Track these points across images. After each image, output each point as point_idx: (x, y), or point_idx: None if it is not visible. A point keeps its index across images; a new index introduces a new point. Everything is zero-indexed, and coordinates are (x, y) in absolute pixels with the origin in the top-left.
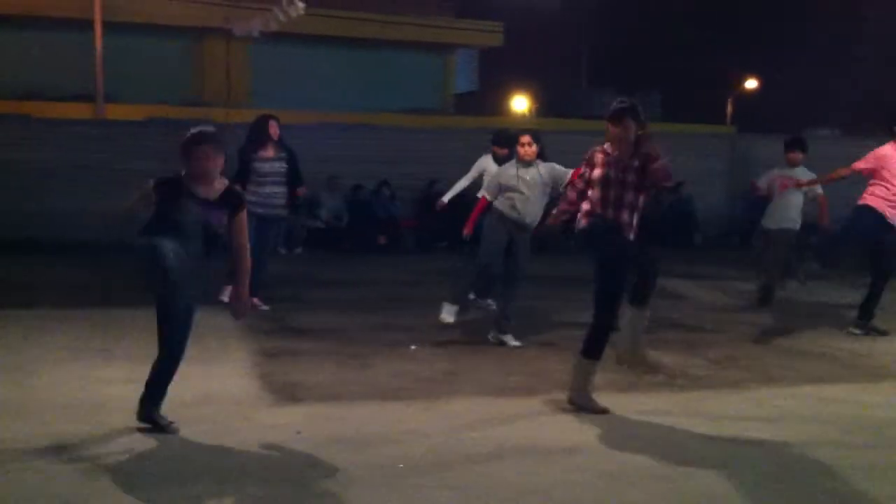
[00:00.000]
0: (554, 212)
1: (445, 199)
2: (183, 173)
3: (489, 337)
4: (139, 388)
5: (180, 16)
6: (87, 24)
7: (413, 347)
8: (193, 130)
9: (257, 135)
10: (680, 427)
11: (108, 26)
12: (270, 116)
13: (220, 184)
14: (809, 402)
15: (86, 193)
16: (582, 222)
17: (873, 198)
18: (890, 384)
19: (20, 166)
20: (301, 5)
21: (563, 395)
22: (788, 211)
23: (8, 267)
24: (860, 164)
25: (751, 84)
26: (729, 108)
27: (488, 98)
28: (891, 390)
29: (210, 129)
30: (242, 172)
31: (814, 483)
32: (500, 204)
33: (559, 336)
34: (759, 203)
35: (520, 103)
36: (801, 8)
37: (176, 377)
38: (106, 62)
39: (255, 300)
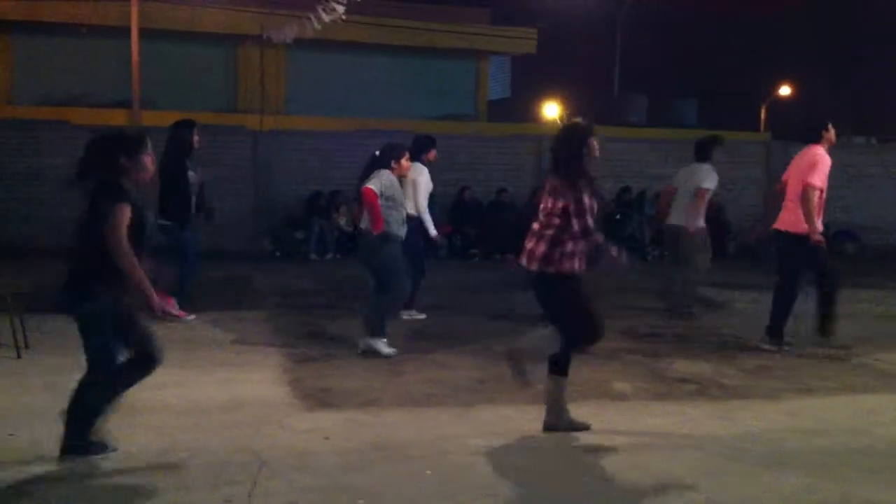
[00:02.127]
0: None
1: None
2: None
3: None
4: (172, 392)
5: (216, 23)
6: (125, 32)
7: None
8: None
9: (187, 142)
10: (712, 437)
11: (145, 34)
12: (195, 123)
13: None
14: (846, 413)
15: None
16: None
17: None
18: None
19: (59, 172)
20: (341, 9)
21: (589, 404)
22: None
23: (42, 271)
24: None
25: (785, 91)
26: (763, 115)
27: (521, 105)
28: None
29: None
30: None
31: (850, 493)
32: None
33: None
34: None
35: (552, 110)
36: (837, 13)
37: (211, 382)
38: (143, 69)
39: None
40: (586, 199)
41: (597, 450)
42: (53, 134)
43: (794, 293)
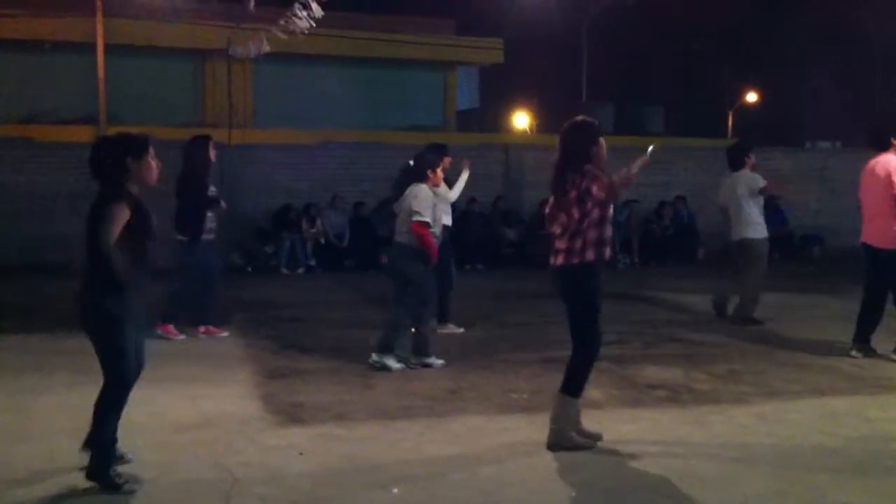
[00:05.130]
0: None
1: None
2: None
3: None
4: (141, 410)
5: (182, 38)
6: (89, 48)
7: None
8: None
9: (203, 157)
10: (684, 442)
11: (111, 49)
12: (209, 137)
13: None
14: (813, 415)
15: None
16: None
17: None
18: (894, 396)
19: (23, 189)
20: (303, 24)
21: None
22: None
23: (5, 290)
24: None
25: (751, 97)
26: (730, 121)
27: (489, 115)
28: (895, 402)
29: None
30: (201, 197)
31: (819, 497)
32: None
33: (561, 352)
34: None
35: (521, 120)
36: (801, 21)
37: (181, 399)
38: (108, 85)
39: (212, 328)
40: (594, 189)
41: (568, 458)
42: (15, 151)
43: (883, 304)
